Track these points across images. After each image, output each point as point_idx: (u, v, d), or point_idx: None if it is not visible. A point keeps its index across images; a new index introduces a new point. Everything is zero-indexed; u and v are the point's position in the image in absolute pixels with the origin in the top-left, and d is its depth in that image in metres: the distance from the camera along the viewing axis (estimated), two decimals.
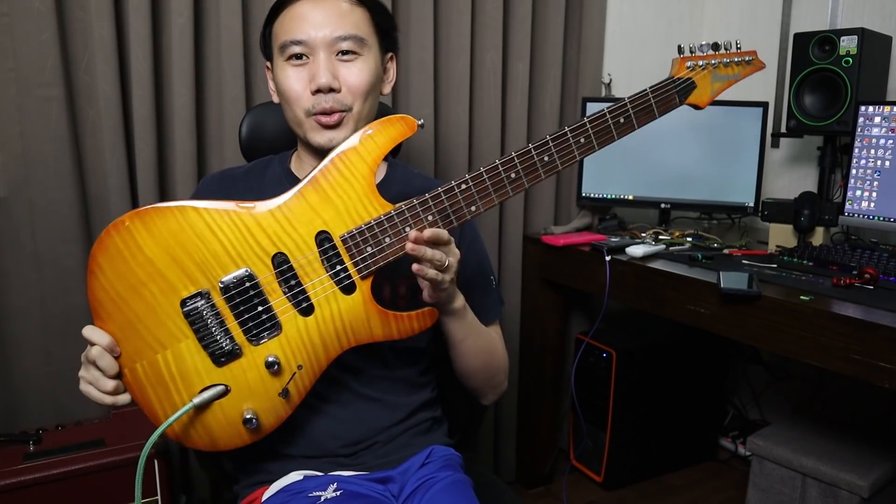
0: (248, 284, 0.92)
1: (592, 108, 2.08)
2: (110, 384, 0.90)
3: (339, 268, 0.93)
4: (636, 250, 1.74)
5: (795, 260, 1.62)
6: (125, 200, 1.56)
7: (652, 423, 2.24)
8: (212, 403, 0.93)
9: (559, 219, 2.23)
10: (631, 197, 2.08)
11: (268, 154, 1.21)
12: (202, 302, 0.91)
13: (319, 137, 1.04)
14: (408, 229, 0.92)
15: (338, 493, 0.98)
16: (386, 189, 1.13)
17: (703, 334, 2.07)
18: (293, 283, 0.93)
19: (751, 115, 1.99)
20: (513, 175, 0.94)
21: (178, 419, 0.91)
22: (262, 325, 0.93)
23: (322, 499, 0.97)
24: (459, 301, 1.03)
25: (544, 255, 2.05)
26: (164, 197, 1.62)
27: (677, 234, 1.96)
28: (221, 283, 0.91)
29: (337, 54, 1.02)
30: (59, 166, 1.49)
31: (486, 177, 0.94)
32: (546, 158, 0.95)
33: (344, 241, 0.93)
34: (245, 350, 0.93)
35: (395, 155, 1.41)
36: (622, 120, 0.99)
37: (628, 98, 0.99)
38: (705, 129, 2.03)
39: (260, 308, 0.92)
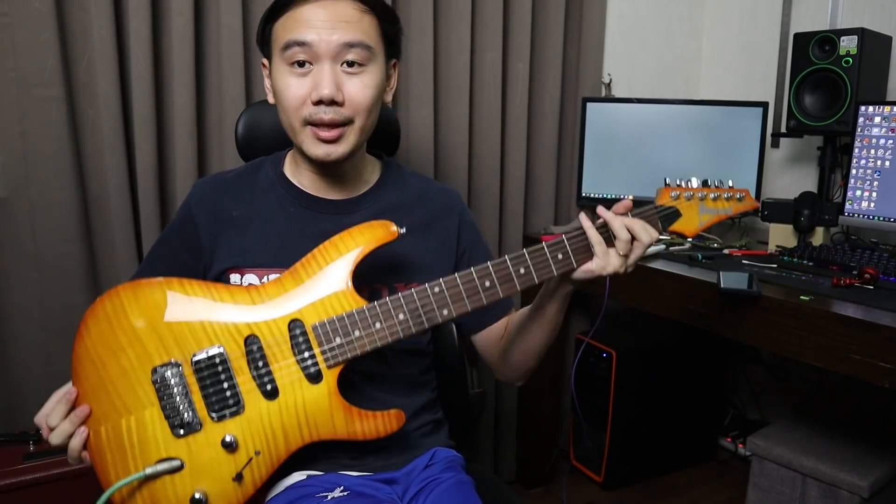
0: (217, 361, 0.94)
1: (592, 107, 2.09)
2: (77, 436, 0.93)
3: (306, 354, 0.94)
4: (628, 271, 1.74)
5: (795, 260, 1.62)
6: (125, 200, 1.56)
7: (652, 423, 2.24)
8: (163, 476, 0.92)
9: (559, 219, 2.23)
10: (631, 197, 2.07)
11: (264, 153, 1.19)
12: (171, 372, 0.93)
13: (317, 150, 1.01)
14: (378, 325, 0.93)
15: (345, 493, 0.98)
16: (381, 191, 1.13)
17: (703, 334, 2.07)
18: (261, 364, 0.94)
19: (751, 115, 1.99)
20: (487, 283, 0.95)
21: (129, 485, 0.91)
22: (225, 401, 0.93)
23: (328, 498, 0.97)
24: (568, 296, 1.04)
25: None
26: (163, 197, 1.62)
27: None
28: (194, 356, 0.94)
29: (342, 64, 0.99)
30: (59, 166, 1.49)
31: (459, 282, 0.94)
32: (522, 270, 0.96)
33: (314, 330, 0.94)
34: (205, 425, 0.93)
35: (392, 154, 1.41)
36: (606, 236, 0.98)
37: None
38: (705, 129, 2.03)
39: (226, 385, 0.93)
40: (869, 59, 1.80)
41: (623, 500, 2.19)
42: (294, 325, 0.94)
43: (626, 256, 0.97)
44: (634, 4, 2.33)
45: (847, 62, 1.79)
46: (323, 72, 0.98)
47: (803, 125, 1.91)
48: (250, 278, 1.06)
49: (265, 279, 1.05)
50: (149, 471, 0.90)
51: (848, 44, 1.78)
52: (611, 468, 2.19)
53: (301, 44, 0.97)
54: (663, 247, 1.80)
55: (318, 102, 0.98)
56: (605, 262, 0.96)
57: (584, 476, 2.28)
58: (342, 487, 1.00)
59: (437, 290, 0.94)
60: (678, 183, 1.05)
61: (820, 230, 1.78)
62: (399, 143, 1.45)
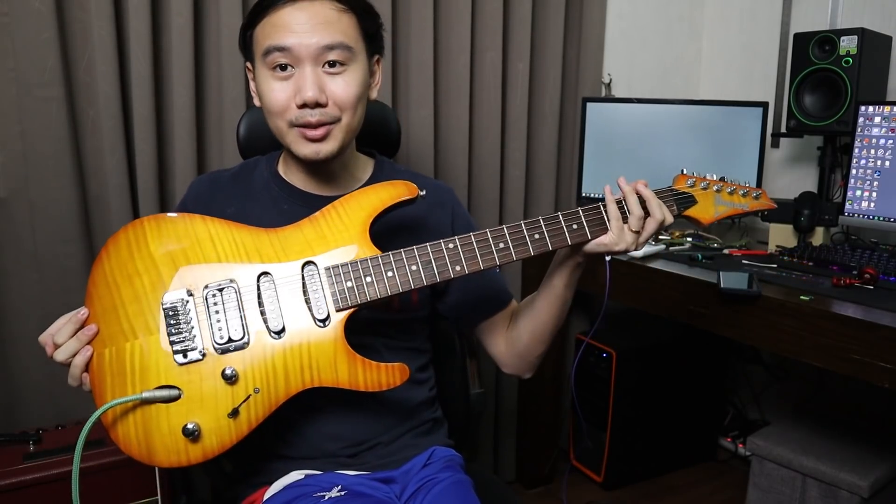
0: (228, 293, 0.94)
1: (592, 107, 2.09)
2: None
3: (317, 294, 0.94)
4: (636, 250, 1.74)
5: (795, 260, 1.62)
6: (125, 200, 1.56)
7: (652, 423, 2.24)
8: (158, 403, 0.90)
9: None
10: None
11: (264, 153, 1.20)
12: (183, 300, 0.93)
13: (305, 149, 1.01)
14: (390, 273, 0.94)
15: (342, 493, 0.98)
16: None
17: (703, 334, 2.07)
18: (271, 301, 0.94)
19: (751, 115, 1.99)
20: (501, 245, 0.96)
21: (123, 407, 0.90)
22: (230, 333, 0.93)
23: (326, 498, 0.97)
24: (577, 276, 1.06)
25: (544, 256, 2.04)
26: (164, 197, 1.62)
27: (677, 234, 1.96)
28: (206, 287, 0.94)
29: (323, 65, 0.99)
30: (59, 166, 1.49)
31: (474, 240, 0.96)
32: (536, 236, 0.98)
33: (327, 272, 0.95)
34: (208, 356, 0.92)
35: (392, 155, 1.41)
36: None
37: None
38: (705, 128, 2.03)
39: (233, 318, 0.93)
40: (869, 59, 1.80)
41: (623, 500, 2.19)
42: (308, 266, 0.95)
43: (637, 233, 0.99)
44: (634, 4, 2.33)
45: (847, 62, 1.79)
46: (305, 75, 0.98)
47: (803, 125, 1.91)
48: None
49: None
50: (145, 395, 0.89)
51: (848, 44, 1.78)
52: (611, 468, 2.19)
53: (281, 49, 0.97)
54: (663, 247, 1.80)
55: (303, 106, 0.98)
56: (619, 237, 0.98)
57: (584, 476, 2.28)
58: (339, 487, 1.00)
59: (451, 245, 0.95)
60: (695, 174, 1.05)
61: (820, 230, 1.78)
62: (400, 143, 1.45)
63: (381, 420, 1.10)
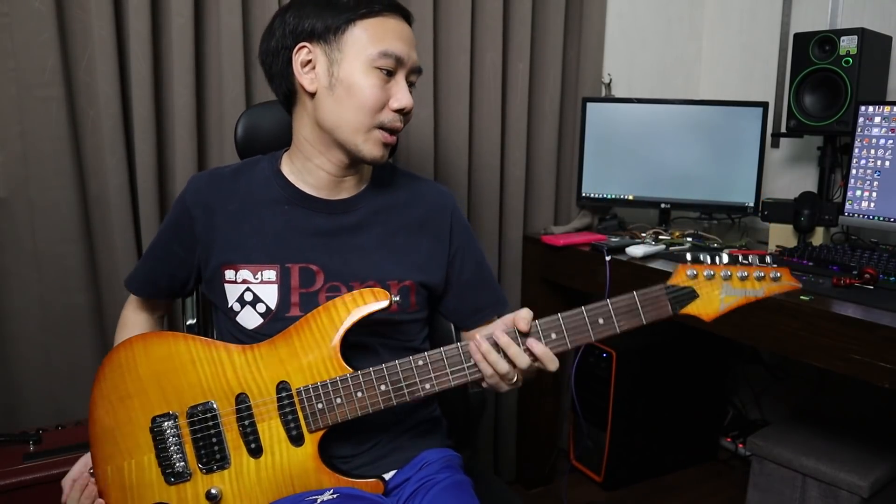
0: (209, 416, 1.00)
1: (592, 107, 2.09)
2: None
3: (290, 417, 0.99)
4: (636, 250, 1.74)
5: (795, 260, 1.62)
6: (125, 200, 1.56)
7: (652, 423, 2.24)
8: None
9: (559, 219, 2.23)
10: (631, 197, 2.08)
11: (263, 154, 1.20)
12: (169, 423, 1.01)
13: (378, 151, 1.05)
14: (360, 394, 0.98)
15: (335, 496, 0.98)
16: (374, 192, 1.14)
17: (703, 334, 2.07)
18: (248, 423, 1.00)
19: (751, 115, 1.99)
20: (471, 362, 0.97)
21: None
22: (213, 455, 1.00)
23: (318, 501, 0.97)
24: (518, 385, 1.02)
25: (544, 256, 2.05)
26: (163, 197, 1.62)
27: (677, 234, 1.96)
28: (189, 409, 1.01)
29: (408, 81, 1.07)
30: (59, 166, 1.49)
31: (444, 356, 0.97)
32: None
33: (298, 394, 0.99)
34: (195, 476, 1.00)
35: (391, 155, 1.41)
36: (601, 321, 0.94)
37: (610, 300, 0.95)
38: (705, 129, 2.03)
39: (214, 440, 1.00)
40: (869, 59, 1.80)
41: (623, 500, 2.19)
42: (281, 386, 1.00)
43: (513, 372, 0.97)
44: (634, 4, 2.33)
45: (847, 62, 1.79)
46: (402, 84, 1.05)
47: (803, 125, 1.91)
48: (244, 274, 1.07)
49: (259, 275, 1.07)
50: None
51: (848, 44, 1.78)
52: (611, 468, 2.19)
53: (398, 57, 1.03)
54: (663, 247, 1.80)
55: (399, 111, 1.04)
56: (498, 383, 0.98)
57: (584, 476, 2.28)
58: (332, 491, 1.00)
59: (420, 362, 0.97)
60: (702, 259, 0.93)
61: (820, 230, 1.78)
62: (398, 143, 1.45)
63: (380, 419, 1.09)
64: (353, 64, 1.02)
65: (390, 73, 1.03)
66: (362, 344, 1.08)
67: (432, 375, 0.97)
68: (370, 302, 1.00)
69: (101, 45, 1.48)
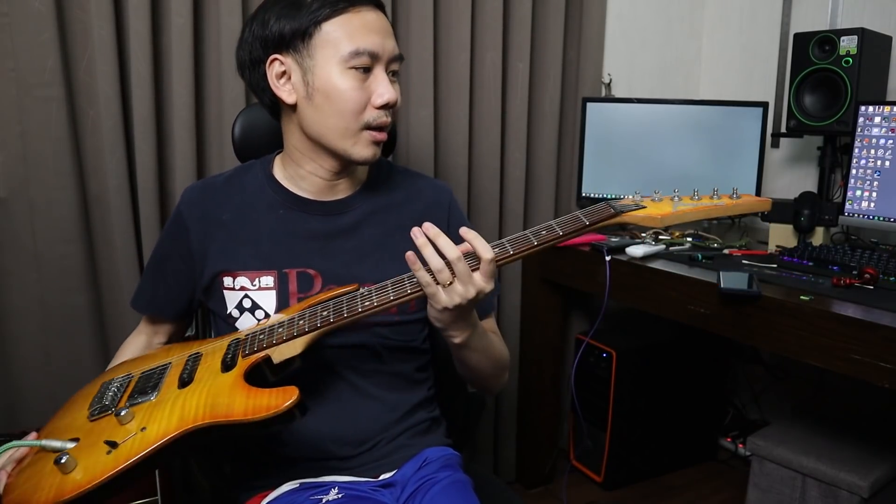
0: (159, 370, 1.00)
1: (592, 107, 2.09)
2: None
3: (231, 351, 0.98)
4: (636, 250, 1.74)
5: (795, 260, 1.62)
6: (125, 200, 1.56)
7: (652, 423, 2.24)
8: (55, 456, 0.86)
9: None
10: (629, 197, 2.08)
11: (260, 154, 1.20)
12: (120, 380, 1.01)
13: (368, 151, 1.03)
14: (301, 322, 0.96)
15: (340, 495, 0.98)
16: (370, 192, 1.13)
17: (703, 334, 2.07)
18: (191, 365, 0.99)
19: (751, 115, 1.99)
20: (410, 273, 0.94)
21: (23, 451, 0.94)
22: (145, 392, 0.94)
23: (323, 501, 0.97)
24: (463, 335, 0.99)
25: (544, 255, 2.05)
26: (163, 197, 1.62)
27: (677, 234, 1.96)
28: (143, 372, 1.02)
29: (387, 72, 1.03)
30: (59, 166, 1.49)
31: (388, 282, 0.95)
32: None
33: (247, 337, 0.99)
34: (116, 409, 0.91)
35: (388, 154, 1.41)
36: (543, 232, 0.94)
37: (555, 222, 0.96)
38: (705, 129, 2.03)
39: (153, 383, 0.97)
40: (869, 59, 1.80)
41: (623, 500, 2.19)
42: (234, 341, 1.00)
43: (454, 283, 0.91)
44: (634, 4, 2.33)
45: (847, 62, 1.79)
46: (383, 78, 1.01)
47: (803, 125, 1.91)
48: (242, 281, 1.07)
49: (257, 282, 1.06)
50: (43, 442, 0.91)
51: (848, 44, 1.78)
52: (611, 468, 2.19)
53: (372, 53, 0.99)
54: (663, 247, 1.80)
55: (383, 107, 1.01)
56: (440, 300, 0.92)
57: (584, 476, 2.28)
58: (337, 489, 1.00)
59: (364, 291, 0.96)
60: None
61: (820, 230, 1.78)
62: (396, 142, 1.45)
63: (380, 420, 1.10)
64: (327, 69, 0.99)
65: (367, 70, 1.00)
66: (363, 344, 1.08)
67: (374, 296, 0.94)
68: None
69: (101, 45, 1.48)
